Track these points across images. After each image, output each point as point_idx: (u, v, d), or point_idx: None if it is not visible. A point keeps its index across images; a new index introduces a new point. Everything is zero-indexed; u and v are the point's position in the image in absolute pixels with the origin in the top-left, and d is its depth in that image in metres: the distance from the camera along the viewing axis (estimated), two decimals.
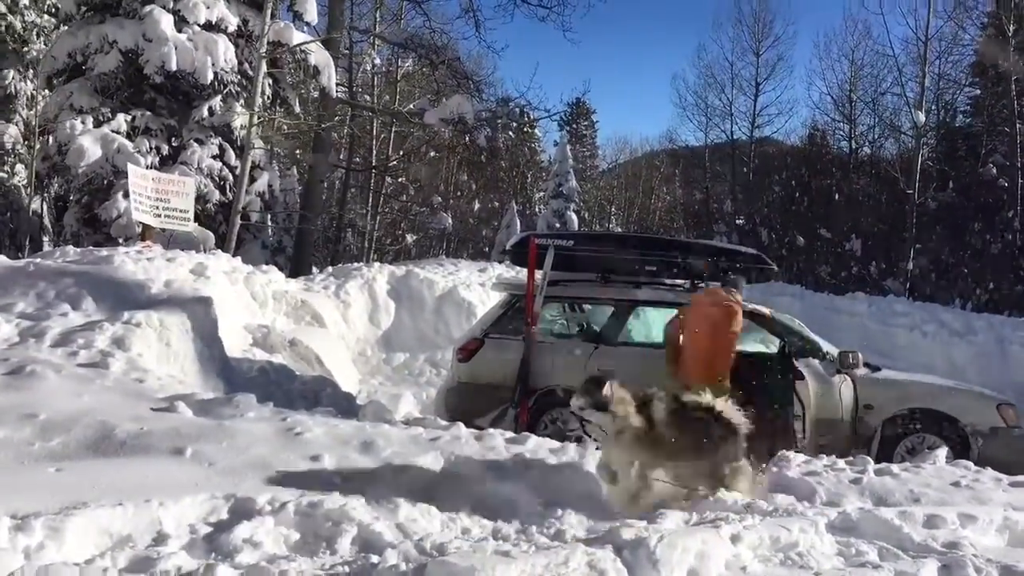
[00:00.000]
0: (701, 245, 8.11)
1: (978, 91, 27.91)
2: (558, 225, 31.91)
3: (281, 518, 3.37)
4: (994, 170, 25.10)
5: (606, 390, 4.16)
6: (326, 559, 3.18)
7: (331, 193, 27.10)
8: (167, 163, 14.29)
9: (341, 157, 23.92)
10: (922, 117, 24.60)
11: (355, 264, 13.72)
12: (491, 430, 5.22)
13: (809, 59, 62.53)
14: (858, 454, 6.06)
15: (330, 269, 13.18)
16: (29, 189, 20.01)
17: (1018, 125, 24.23)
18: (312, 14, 16.02)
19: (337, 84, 17.63)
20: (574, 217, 33.70)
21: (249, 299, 8.75)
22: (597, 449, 4.64)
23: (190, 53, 13.67)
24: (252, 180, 14.97)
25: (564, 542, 3.60)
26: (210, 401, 5.07)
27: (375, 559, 3.21)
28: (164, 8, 13.92)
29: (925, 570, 3.49)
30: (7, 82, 19.22)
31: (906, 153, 27.71)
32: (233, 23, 14.59)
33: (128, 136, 14.03)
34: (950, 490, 4.83)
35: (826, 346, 7.24)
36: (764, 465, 5.19)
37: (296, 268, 16.11)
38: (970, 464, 5.61)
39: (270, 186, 16.06)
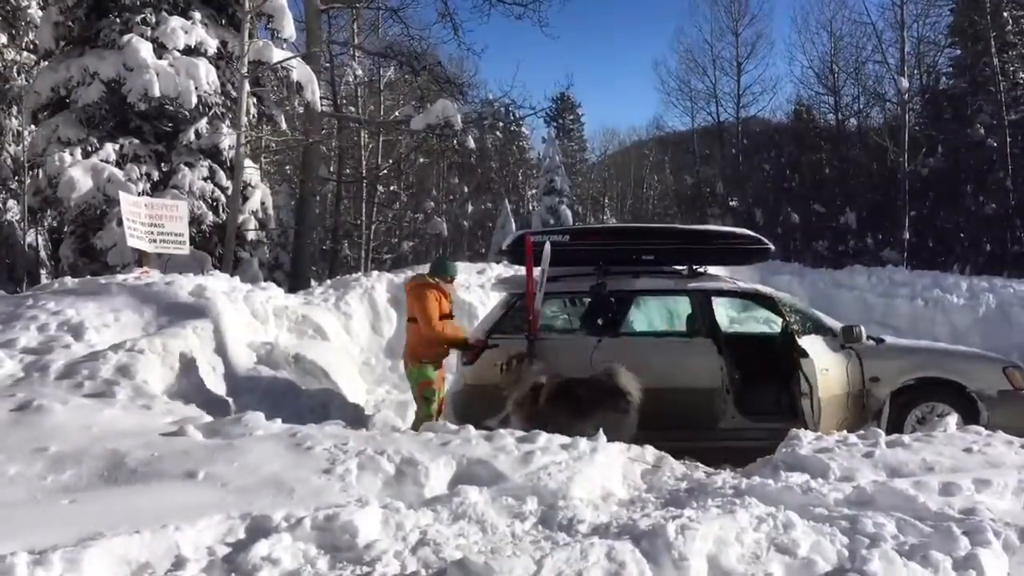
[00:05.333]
0: (693, 231, 8.09)
1: (958, 51, 27.90)
2: (552, 221, 31.91)
3: (298, 534, 3.38)
4: (982, 131, 25.10)
5: None
6: (346, 571, 3.19)
7: (324, 206, 27.11)
8: (158, 188, 14.29)
9: (331, 170, 23.93)
10: (905, 83, 24.59)
11: (353, 275, 13.70)
12: (501, 430, 5.22)
13: (788, 34, 62.46)
14: (869, 427, 6.07)
15: (329, 281, 13.16)
16: (23, 224, 20.02)
17: (1001, 82, 24.20)
18: (290, 30, 16.02)
19: (321, 98, 17.64)
20: (568, 212, 33.71)
21: (250, 317, 8.74)
22: None
23: (172, 79, 13.67)
24: (244, 199, 14.98)
25: (581, 535, 3.60)
26: (219, 422, 5.07)
27: (395, 567, 3.22)
28: (143, 36, 13.92)
29: (944, 537, 3.50)
30: None
31: (892, 121, 27.71)
32: (212, 46, 14.59)
33: (117, 164, 14.03)
34: (963, 457, 4.84)
35: (829, 322, 7.25)
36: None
37: (295, 283, 16.11)
38: (981, 429, 5.61)
39: (263, 203, 16.07)
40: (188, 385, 6.59)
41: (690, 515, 3.68)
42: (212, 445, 4.52)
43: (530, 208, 37.72)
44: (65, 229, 15.90)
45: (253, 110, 15.48)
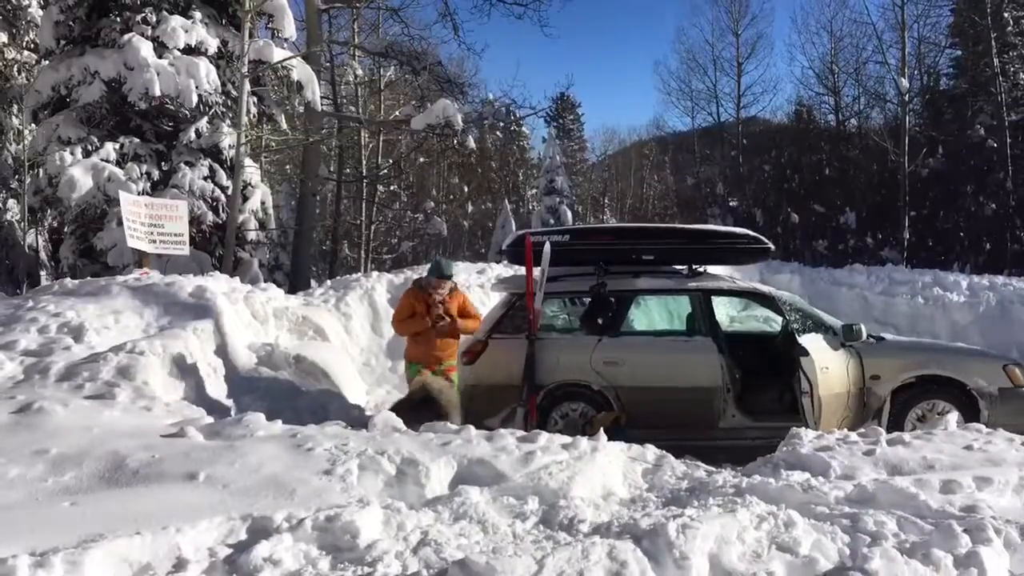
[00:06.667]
0: (693, 230, 8.10)
1: (959, 52, 27.89)
2: (552, 221, 31.90)
3: (299, 534, 3.37)
4: (982, 131, 25.10)
5: None
6: (347, 571, 3.19)
7: (324, 206, 27.10)
8: (158, 187, 14.28)
9: (331, 169, 23.92)
10: (905, 83, 24.58)
11: (353, 275, 13.69)
12: (502, 430, 5.22)
13: (788, 34, 62.67)
14: (869, 425, 6.08)
15: (329, 282, 13.15)
16: (23, 224, 20.00)
17: (1001, 83, 24.21)
18: (290, 30, 16.01)
19: (322, 97, 17.64)
20: (568, 212, 33.71)
21: (250, 318, 8.74)
22: None
23: (172, 78, 13.67)
24: (245, 199, 14.97)
25: (582, 535, 3.60)
26: (219, 423, 5.07)
27: (397, 567, 3.22)
28: (143, 35, 13.92)
29: (945, 535, 3.50)
30: None
31: (893, 121, 27.71)
32: (213, 45, 14.59)
33: (118, 164, 14.02)
34: (963, 454, 4.83)
35: (829, 320, 7.25)
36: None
37: (295, 283, 16.11)
38: (981, 427, 5.62)
39: (263, 203, 16.05)
40: (188, 386, 6.60)
41: (691, 514, 3.68)
42: (213, 446, 4.52)
43: (530, 208, 37.71)
44: (65, 229, 15.89)
45: (253, 109, 15.47)
